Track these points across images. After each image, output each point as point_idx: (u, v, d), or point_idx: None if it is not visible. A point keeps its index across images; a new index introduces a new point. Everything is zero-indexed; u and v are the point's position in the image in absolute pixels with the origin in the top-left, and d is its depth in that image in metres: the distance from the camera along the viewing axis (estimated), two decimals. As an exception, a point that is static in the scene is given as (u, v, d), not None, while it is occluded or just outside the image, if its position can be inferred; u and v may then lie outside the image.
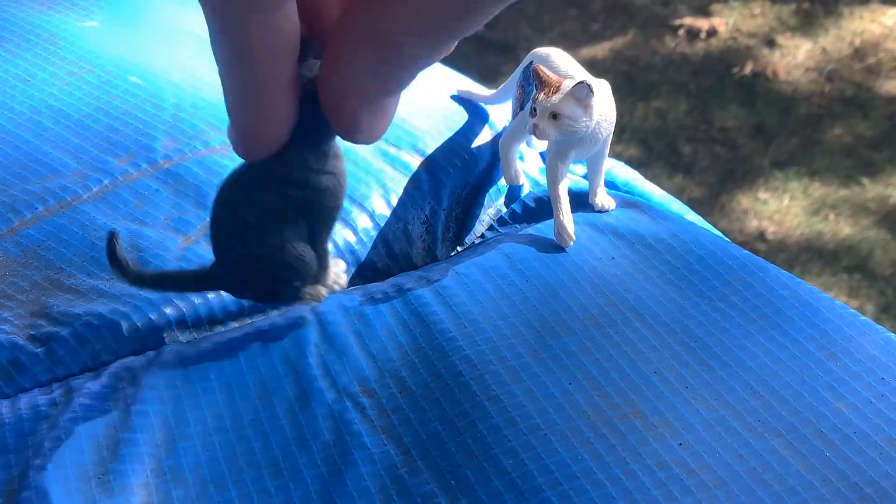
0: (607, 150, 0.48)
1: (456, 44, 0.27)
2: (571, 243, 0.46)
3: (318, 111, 0.32)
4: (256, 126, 0.32)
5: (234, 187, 0.38)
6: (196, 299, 0.44)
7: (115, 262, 0.41)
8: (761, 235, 1.48)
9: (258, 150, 0.34)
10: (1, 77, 0.57)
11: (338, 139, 0.37)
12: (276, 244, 0.38)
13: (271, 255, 0.38)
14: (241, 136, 0.32)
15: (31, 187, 0.50)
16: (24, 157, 0.51)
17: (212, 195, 0.49)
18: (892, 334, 0.42)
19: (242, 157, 0.35)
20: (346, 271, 0.42)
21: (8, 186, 0.50)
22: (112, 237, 0.41)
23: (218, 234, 0.39)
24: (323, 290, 0.41)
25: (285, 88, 0.30)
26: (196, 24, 0.61)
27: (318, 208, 0.38)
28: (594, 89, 0.44)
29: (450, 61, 0.43)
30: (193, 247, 0.47)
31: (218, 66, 0.30)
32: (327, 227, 0.39)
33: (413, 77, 0.29)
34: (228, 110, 0.31)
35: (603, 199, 0.49)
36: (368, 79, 0.28)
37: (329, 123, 0.31)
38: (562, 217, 0.46)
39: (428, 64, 0.28)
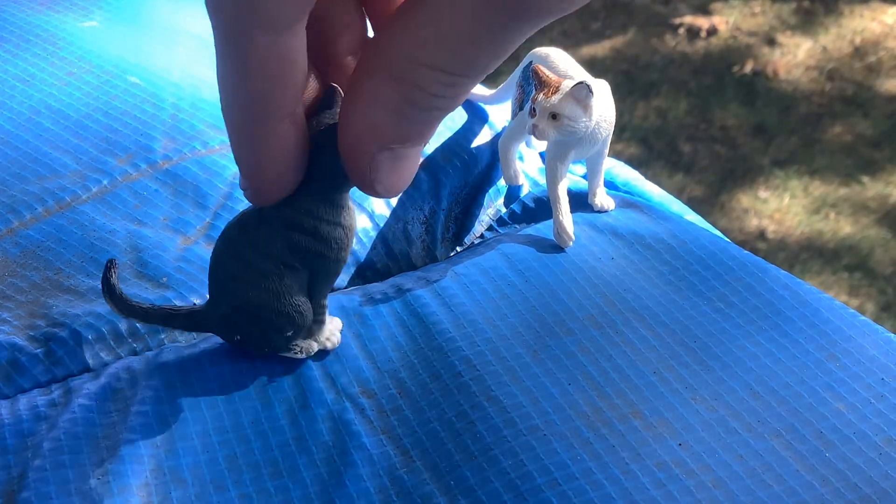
0: (607, 150, 0.48)
1: (476, 84, 0.26)
2: (571, 244, 0.46)
3: (335, 159, 0.31)
4: (259, 161, 0.30)
5: (240, 230, 0.37)
6: (195, 300, 0.44)
7: (109, 289, 0.40)
8: (761, 234, 1.48)
9: (265, 190, 0.32)
10: (0, 77, 0.57)
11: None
12: (274, 290, 0.37)
13: (268, 302, 0.38)
14: (246, 174, 0.31)
15: (30, 188, 0.50)
16: (23, 158, 0.51)
17: (211, 195, 0.49)
18: (892, 334, 0.42)
19: (251, 201, 0.34)
20: (342, 330, 0.42)
21: (7, 187, 0.50)
22: (110, 264, 0.40)
23: (216, 275, 0.39)
24: (314, 346, 0.40)
25: (289, 121, 0.29)
26: (196, 25, 0.61)
27: (320, 259, 0.37)
28: (593, 89, 0.44)
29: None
30: (193, 247, 0.47)
31: (220, 92, 0.28)
32: (329, 281, 0.39)
33: (434, 125, 0.27)
34: (232, 146, 0.30)
35: (602, 199, 0.49)
36: (389, 121, 0.27)
37: (345, 173, 0.30)
38: (561, 217, 0.46)
39: (449, 108, 0.26)
